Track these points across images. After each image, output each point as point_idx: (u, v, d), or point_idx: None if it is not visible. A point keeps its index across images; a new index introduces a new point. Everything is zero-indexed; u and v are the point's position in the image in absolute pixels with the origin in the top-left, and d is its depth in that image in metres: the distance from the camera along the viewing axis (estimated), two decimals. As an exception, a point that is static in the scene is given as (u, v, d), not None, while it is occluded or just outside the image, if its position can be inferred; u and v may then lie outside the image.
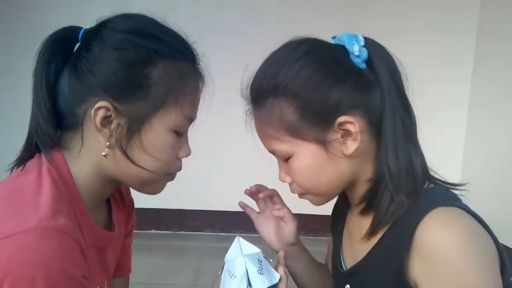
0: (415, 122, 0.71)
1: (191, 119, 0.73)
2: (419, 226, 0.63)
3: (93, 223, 0.70)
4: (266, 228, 0.92)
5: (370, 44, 0.70)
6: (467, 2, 2.58)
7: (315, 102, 0.68)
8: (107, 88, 0.65)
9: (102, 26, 0.69)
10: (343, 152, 0.69)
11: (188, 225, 2.76)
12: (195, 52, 0.73)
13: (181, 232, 2.77)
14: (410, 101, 0.71)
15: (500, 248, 0.65)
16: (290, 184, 0.76)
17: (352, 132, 0.68)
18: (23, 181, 0.64)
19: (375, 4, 2.56)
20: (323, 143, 0.69)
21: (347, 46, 0.70)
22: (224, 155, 2.44)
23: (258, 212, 0.96)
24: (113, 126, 0.66)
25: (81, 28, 0.71)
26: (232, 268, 0.73)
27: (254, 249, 0.75)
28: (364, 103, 0.68)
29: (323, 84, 0.68)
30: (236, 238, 0.77)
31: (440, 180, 0.72)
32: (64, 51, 0.69)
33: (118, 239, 0.82)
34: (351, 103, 0.68)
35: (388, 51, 0.71)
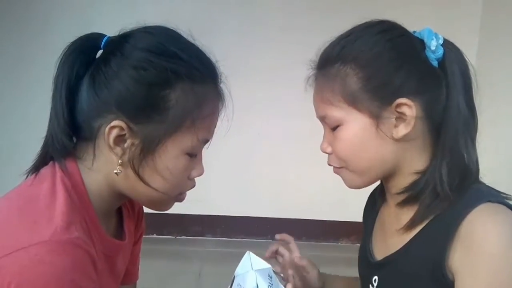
0: (477, 128, 0.72)
1: (206, 141, 0.72)
2: (466, 218, 0.64)
3: (104, 233, 0.70)
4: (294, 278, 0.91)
5: (448, 45, 0.71)
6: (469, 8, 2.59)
7: (381, 77, 0.69)
8: (122, 107, 0.65)
9: (124, 40, 0.68)
10: (393, 135, 0.69)
11: (190, 230, 2.76)
12: (217, 72, 0.72)
13: (182, 237, 2.77)
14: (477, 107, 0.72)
15: None
16: (329, 154, 0.76)
17: (407, 116, 0.68)
18: (37, 191, 0.64)
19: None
20: (376, 119, 0.69)
21: (426, 40, 0.70)
22: (226, 161, 2.44)
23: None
24: (126, 145, 0.66)
25: (104, 35, 0.70)
26: (242, 283, 0.72)
27: (265, 264, 0.75)
28: (427, 94, 0.69)
29: (393, 62, 0.69)
30: (247, 252, 0.76)
31: (488, 186, 0.73)
32: (86, 59, 0.68)
33: (128, 247, 0.81)
34: (414, 89, 0.69)
35: (465, 56, 0.72)
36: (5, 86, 2.61)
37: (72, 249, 0.59)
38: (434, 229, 0.69)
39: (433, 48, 0.70)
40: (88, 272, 0.61)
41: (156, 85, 0.65)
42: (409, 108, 0.68)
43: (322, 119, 0.75)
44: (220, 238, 2.72)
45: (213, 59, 0.72)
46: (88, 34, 0.70)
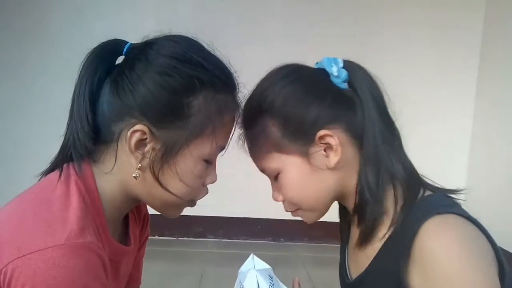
0: (399, 136, 0.75)
1: (222, 148, 0.74)
2: (417, 236, 0.64)
3: (111, 238, 0.70)
4: None
5: (349, 65, 0.75)
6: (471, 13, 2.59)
7: (295, 118, 0.72)
8: (146, 112, 0.66)
9: (148, 46, 0.69)
10: (327, 165, 0.72)
11: (192, 231, 2.76)
12: (235, 82, 0.73)
13: (184, 238, 2.77)
14: (392, 116, 0.75)
15: (499, 251, 0.65)
16: (283, 202, 0.79)
17: (333, 145, 0.71)
18: (51, 193, 0.64)
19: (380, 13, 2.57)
20: (306, 156, 0.72)
21: (327, 68, 0.74)
22: (228, 162, 2.43)
23: None
24: (146, 149, 0.67)
25: (126, 42, 0.71)
26: (243, 280, 0.74)
27: (265, 266, 0.78)
28: (344, 118, 0.72)
29: (302, 101, 0.72)
30: (251, 255, 0.79)
31: (437, 188, 0.73)
32: (107, 64, 0.69)
33: (132, 252, 0.82)
34: (330, 118, 0.72)
35: (368, 71, 0.75)
36: (6, 86, 2.62)
37: (86, 253, 0.59)
38: (391, 248, 0.70)
39: (335, 74, 0.73)
40: (100, 277, 0.62)
41: (181, 91, 0.66)
42: (331, 137, 0.71)
43: (263, 172, 0.79)
44: (222, 240, 2.72)
45: (232, 69, 0.73)
46: (111, 40, 0.71)
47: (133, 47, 0.71)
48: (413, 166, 0.74)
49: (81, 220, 0.61)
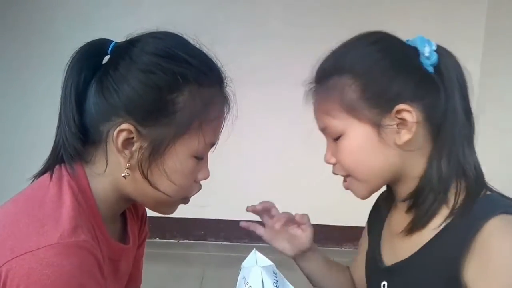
0: (474, 131, 0.73)
1: (212, 144, 0.73)
2: (481, 231, 0.63)
3: (109, 237, 0.70)
4: (278, 239, 0.93)
5: (442, 51, 0.72)
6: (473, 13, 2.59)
7: (378, 85, 0.70)
8: (131, 110, 0.65)
9: (132, 44, 0.69)
10: (395, 141, 0.70)
11: (193, 234, 2.76)
12: (223, 76, 0.73)
13: (185, 241, 2.77)
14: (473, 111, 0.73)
15: None
16: (334, 165, 0.77)
17: (408, 122, 0.68)
18: (44, 194, 0.64)
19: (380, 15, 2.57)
20: (377, 127, 0.70)
21: (419, 47, 0.71)
22: (228, 164, 2.44)
23: (263, 225, 0.97)
24: (134, 148, 0.66)
25: (111, 41, 0.71)
26: (247, 276, 0.73)
27: (268, 262, 0.76)
28: (426, 100, 0.70)
29: (389, 71, 0.70)
30: (253, 250, 0.78)
31: (499, 193, 0.73)
32: (93, 64, 0.69)
33: (132, 251, 0.82)
34: (412, 95, 0.69)
35: (459, 61, 0.73)
36: (9, 88, 2.63)
37: (79, 252, 0.59)
38: (446, 239, 0.68)
39: (427, 54, 0.71)
40: (94, 275, 0.61)
41: (165, 88, 0.66)
42: (409, 113, 0.68)
43: (324, 130, 0.75)
44: (223, 242, 2.72)
45: (218, 63, 0.72)
46: (96, 39, 0.71)
47: (117, 45, 0.70)
48: (480, 165, 0.72)
49: (74, 219, 0.61)
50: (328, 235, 2.71)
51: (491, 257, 0.62)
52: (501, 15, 2.48)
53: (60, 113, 0.68)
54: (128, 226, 0.80)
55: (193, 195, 0.75)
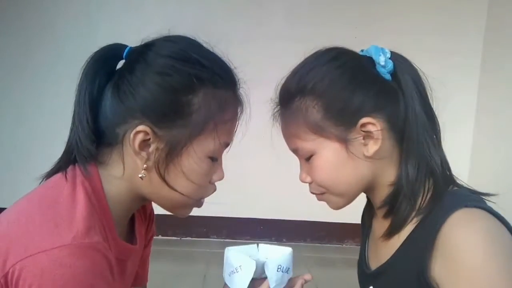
0: (439, 131, 0.74)
1: (227, 144, 0.74)
2: (443, 227, 0.64)
3: (117, 237, 0.71)
4: None
5: (396, 56, 0.74)
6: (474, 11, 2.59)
7: (340, 102, 0.72)
8: (147, 112, 0.67)
9: (147, 48, 0.70)
10: (364, 154, 0.72)
11: (195, 231, 2.77)
12: (236, 78, 0.74)
13: (187, 238, 2.78)
14: (434, 109, 0.74)
15: None
16: (310, 183, 0.79)
17: (374, 133, 0.71)
18: (58, 193, 0.65)
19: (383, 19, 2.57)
20: (345, 142, 0.72)
21: (374, 57, 0.73)
22: (232, 162, 2.44)
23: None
24: (151, 149, 0.68)
25: (126, 46, 0.72)
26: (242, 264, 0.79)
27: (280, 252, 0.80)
28: (387, 109, 0.72)
29: (348, 86, 0.72)
30: (255, 245, 0.83)
31: (467, 188, 0.74)
32: (108, 69, 0.71)
33: (139, 251, 0.83)
34: (374, 107, 0.71)
35: (413, 64, 0.75)
36: (13, 88, 2.64)
37: (92, 253, 0.60)
38: (416, 237, 0.70)
39: (382, 63, 0.73)
40: (106, 277, 0.62)
41: (180, 90, 0.67)
42: (373, 125, 0.71)
43: (295, 152, 0.78)
44: (225, 240, 2.72)
45: (231, 66, 0.74)
46: (111, 44, 0.72)
47: (133, 50, 0.72)
48: (447, 162, 0.74)
49: (87, 220, 0.62)
50: (330, 232, 2.72)
51: (452, 253, 0.63)
52: (502, 9, 2.48)
53: (73, 116, 0.70)
54: (136, 226, 0.81)
55: (208, 196, 0.76)
